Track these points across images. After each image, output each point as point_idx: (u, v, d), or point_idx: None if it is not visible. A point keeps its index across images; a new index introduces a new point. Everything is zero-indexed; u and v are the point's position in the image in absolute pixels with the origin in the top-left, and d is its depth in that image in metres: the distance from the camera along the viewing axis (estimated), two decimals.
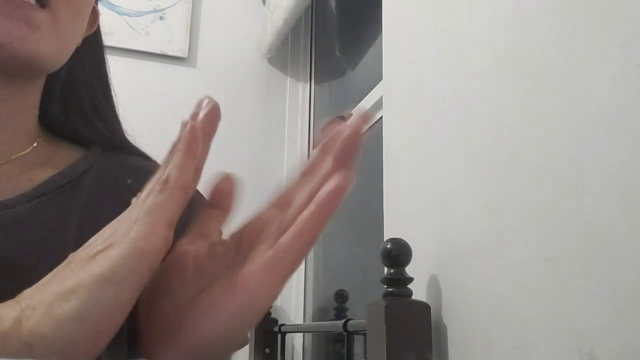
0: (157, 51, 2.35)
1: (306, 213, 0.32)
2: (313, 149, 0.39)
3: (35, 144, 0.54)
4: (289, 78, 2.53)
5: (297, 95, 2.52)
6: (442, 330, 0.99)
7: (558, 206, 0.76)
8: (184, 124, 0.35)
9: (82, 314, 0.28)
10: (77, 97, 0.58)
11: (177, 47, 2.38)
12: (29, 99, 0.53)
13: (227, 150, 2.34)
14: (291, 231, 0.32)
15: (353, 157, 0.36)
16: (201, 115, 0.36)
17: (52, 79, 0.56)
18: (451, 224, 1.01)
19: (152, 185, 0.33)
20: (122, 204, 0.51)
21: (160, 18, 2.40)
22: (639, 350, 0.62)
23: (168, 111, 2.27)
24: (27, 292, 0.29)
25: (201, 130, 0.35)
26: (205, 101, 0.36)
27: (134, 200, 0.34)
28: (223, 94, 2.41)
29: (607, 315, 0.67)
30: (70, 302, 0.28)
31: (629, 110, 0.67)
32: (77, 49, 0.54)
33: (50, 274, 0.30)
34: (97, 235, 0.32)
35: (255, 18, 2.53)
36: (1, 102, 0.49)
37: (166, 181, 0.32)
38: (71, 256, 0.31)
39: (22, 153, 0.52)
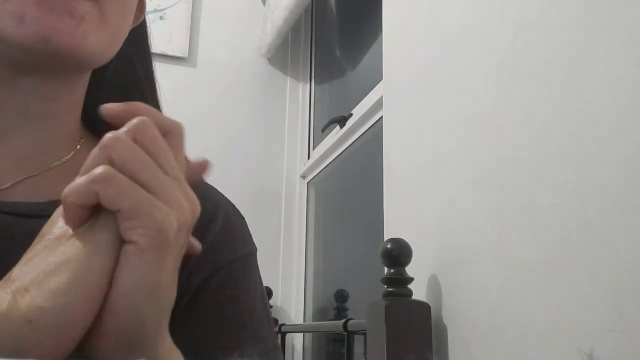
0: (157, 51, 2.35)
1: None
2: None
3: (78, 146, 0.50)
4: (289, 78, 2.53)
5: (297, 95, 2.52)
6: (442, 330, 0.99)
7: (558, 206, 0.76)
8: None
9: (75, 283, 0.29)
10: (126, 95, 0.54)
11: (177, 47, 2.39)
12: (74, 97, 0.49)
13: (226, 150, 2.34)
14: None
15: None
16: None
17: (99, 74, 0.52)
18: (451, 224, 1.01)
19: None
20: None
21: (160, 18, 2.40)
22: (639, 350, 0.62)
23: (168, 111, 2.26)
24: (15, 273, 0.30)
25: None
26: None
27: None
28: (223, 94, 2.41)
29: (607, 315, 0.67)
30: (62, 274, 0.29)
31: (629, 110, 0.67)
32: (125, 42, 0.50)
33: (30, 254, 0.31)
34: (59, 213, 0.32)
35: (255, 18, 2.53)
36: (45, 102, 0.46)
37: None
38: (46, 239, 0.31)
39: (66, 158, 0.48)
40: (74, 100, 0.49)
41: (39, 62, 0.42)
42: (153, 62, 0.58)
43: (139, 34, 0.55)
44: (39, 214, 0.43)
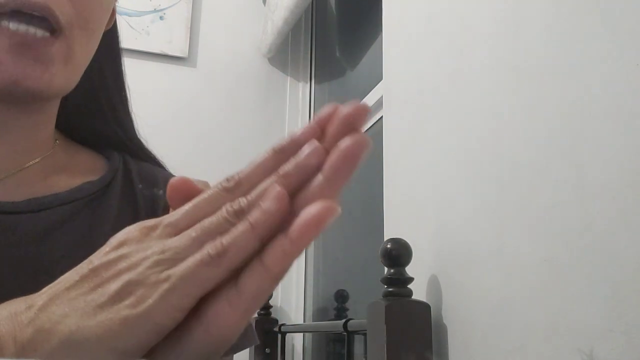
0: (157, 51, 2.35)
1: (277, 248, 0.27)
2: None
3: (53, 148, 0.53)
4: (289, 78, 2.53)
5: (297, 95, 2.52)
6: (442, 330, 0.99)
7: (558, 206, 0.76)
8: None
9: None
10: (95, 100, 0.58)
11: (177, 47, 2.38)
12: (47, 113, 0.52)
13: (226, 150, 2.34)
14: (257, 270, 0.27)
15: (346, 177, 0.29)
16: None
17: None
18: (451, 224, 1.01)
19: (192, 246, 0.27)
20: (140, 214, 0.51)
21: (160, 18, 2.40)
22: (639, 350, 0.62)
23: (168, 111, 2.27)
24: (44, 301, 0.28)
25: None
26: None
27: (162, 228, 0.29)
28: (223, 94, 2.41)
29: (607, 315, 0.67)
30: (72, 355, 0.26)
31: (629, 110, 0.67)
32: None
33: (62, 286, 0.28)
34: (112, 249, 0.29)
35: (256, 18, 2.53)
36: (23, 116, 0.49)
37: (222, 254, 0.26)
38: (89, 267, 0.28)
39: (39, 159, 0.51)
40: (50, 113, 0.53)
41: (12, 97, 0.46)
42: (123, 63, 0.61)
43: (109, 37, 0.58)
44: (18, 211, 0.46)
